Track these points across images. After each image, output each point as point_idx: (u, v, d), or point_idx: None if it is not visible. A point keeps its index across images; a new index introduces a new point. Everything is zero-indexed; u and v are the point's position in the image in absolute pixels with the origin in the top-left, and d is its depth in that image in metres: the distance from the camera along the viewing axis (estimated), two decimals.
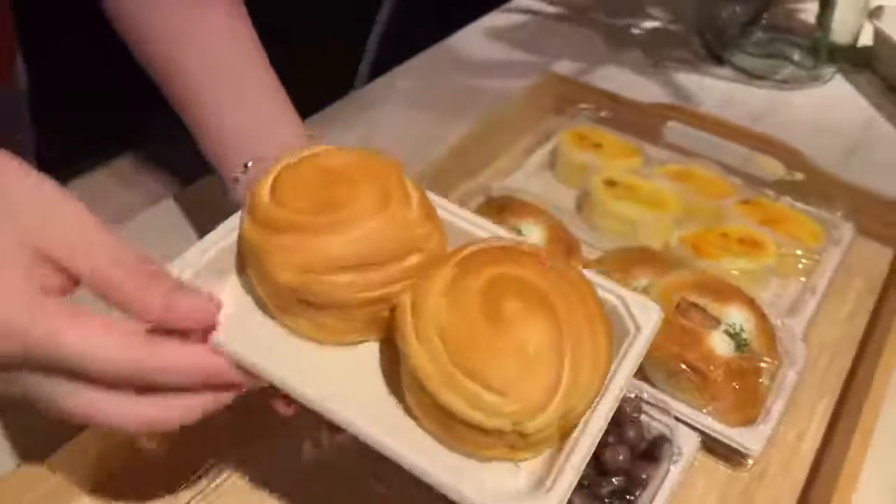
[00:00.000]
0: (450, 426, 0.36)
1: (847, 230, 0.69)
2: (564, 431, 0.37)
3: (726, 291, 0.57)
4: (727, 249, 0.64)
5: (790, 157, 0.74)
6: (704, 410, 0.53)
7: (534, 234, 0.63)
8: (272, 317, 0.41)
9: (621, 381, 0.38)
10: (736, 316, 0.56)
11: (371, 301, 0.39)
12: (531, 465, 0.37)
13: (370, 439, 0.36)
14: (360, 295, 0.38)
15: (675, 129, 0.78)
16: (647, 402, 0.52)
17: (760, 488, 0.52)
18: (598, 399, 0.37)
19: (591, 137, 0.76)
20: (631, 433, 0.50)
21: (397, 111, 0.85)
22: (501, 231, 0.44)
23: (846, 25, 0.95)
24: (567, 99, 0.82)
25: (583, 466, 0.36)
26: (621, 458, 0.48)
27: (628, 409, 0.51)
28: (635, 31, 1.04)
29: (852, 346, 0.62)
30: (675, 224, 0.68)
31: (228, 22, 0.61)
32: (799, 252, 0.65)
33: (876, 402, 0.53)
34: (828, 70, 0.96)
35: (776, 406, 0.54)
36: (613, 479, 0.48)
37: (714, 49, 0.99)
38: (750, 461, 0.53)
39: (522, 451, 0.37)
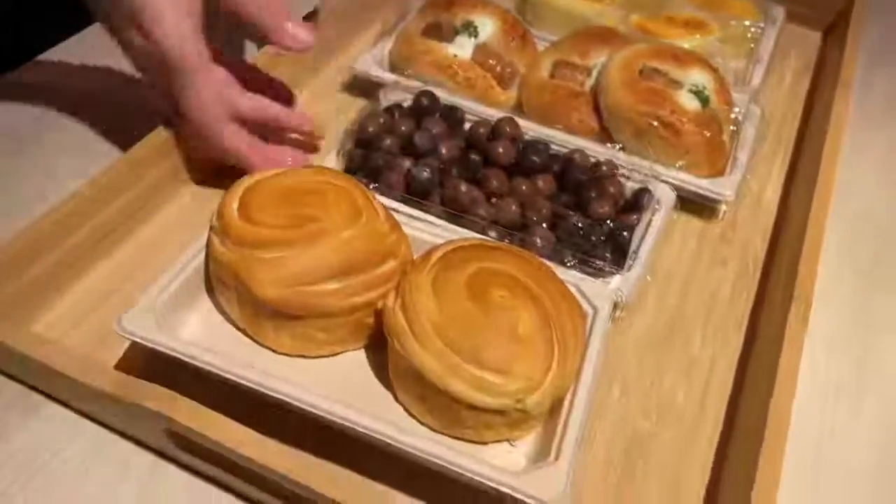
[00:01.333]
0: (452, 414, 0.37)
1: (779, 13, 0.72)
2: (554, 407, 0.38)
3: (685, 57, 0.58)
4: (674, 32, 0.65)
5: None
6: (677, 165, 0.54)
7: (487, 25, 0.61)
8: (248, 335, 0.41)
9: (594, 355, 0.41)
10: (697, 77, 0.57)
11: (357, 307, 0.40)
12: (524, 444, 0.39)
13: (379, 435, 0.35)
14: (347, 301, 0.39)
15: None
16: (622, 166, 0.53)
17: (735, 234, 0.55)
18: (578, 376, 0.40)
19: None
20: (611, 188, 0.51)
21: None
22: (464, 231, 0.47)
23: None
24: None
25: (580, 436, 0.37)
26: (606, 208, 0.49)
27: (605, 168, 0.52)
28: None
29: (797, 109, 0.65)
30: (622, 15, 0.68)
31: None
32: (746, 23, 0.66)
33: (832, 154, 0.56)
34: None
35: (741, 156, 0.56)
36: (600, 226, 0.49)
37: None
38: (722, 209, 0.55)
39: (519, 428, 0.38)
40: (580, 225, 0.48)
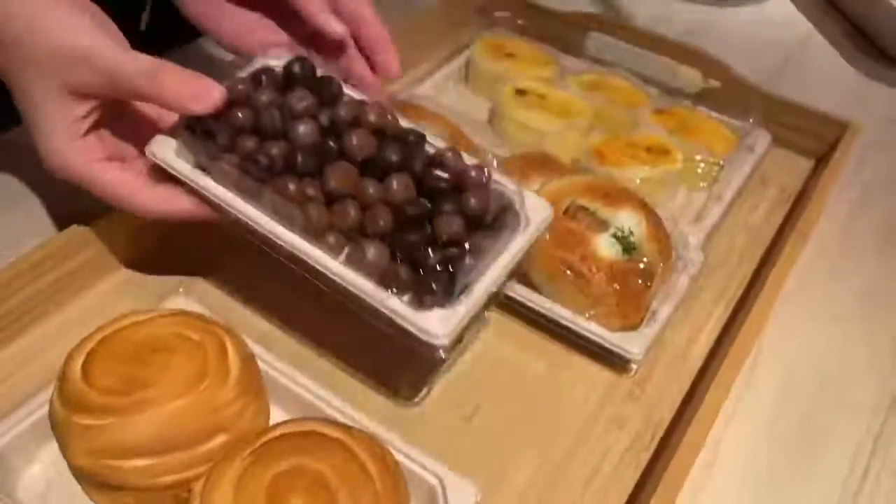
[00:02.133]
0: None
1: (762, 138, 0.67)
2: None
3: (618, 195, 0.55)
4: (633, 157, 0.62)
5: (711, 67, 0.71)
6: (587, 315, 0.51)
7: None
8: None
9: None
10: (626, 219, 0.53)
11: (168, 486, 0.38)
12: None
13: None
14: (155, 480, 0.38)
15: (596, 41, 0.75)
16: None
17: (644, 392, 0.51)
18: None
19: (506, 47, 0.73)
20: (472, 201, 0.44)
21: None
22: (336, 401, 0.44)
23: None
24: (487, 8, 0.78)
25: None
26: (454, 227, 0.43)
27: (474, 175, 0.45)
28: None
29: (757, 254, 0.61)
30: (585, 134, 0.65)
31: None
32: (702, 158, 0.63)
33: (764, 306, 0.52)
34: None
35: (663, 311, 0.52)
36: (447, 250, 0.42)
37: None
38: (633, 366, 0.51)
39: None
40: (417, 244, 0.42)
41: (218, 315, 0.46)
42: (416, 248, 0.42)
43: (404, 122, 0.48)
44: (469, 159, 0.47)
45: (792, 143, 0.69)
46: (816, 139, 0.69)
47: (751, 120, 0.67)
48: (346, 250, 0.42)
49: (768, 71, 0.80)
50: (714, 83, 0.69)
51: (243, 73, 0.49)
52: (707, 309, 0.56)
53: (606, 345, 0.50)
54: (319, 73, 0.49)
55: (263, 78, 0.48)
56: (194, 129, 0.45)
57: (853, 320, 0.57)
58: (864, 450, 0.49)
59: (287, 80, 0.48)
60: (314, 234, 0.42)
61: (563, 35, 0.75)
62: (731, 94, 0.69)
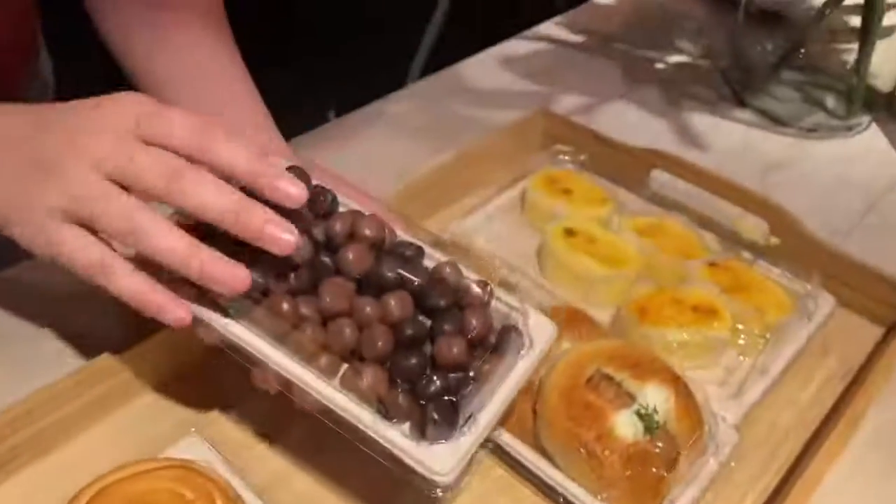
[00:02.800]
0: None
1: (824, 303, 0.63)
2: None
3: (648, 365, 0.52)
4: (677, 316, 0.59)
5: (777, 218, 0.68)
6: (599, 498, 0.49)
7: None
8: None
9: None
10: (653, 394, 0.51)
11: None
12: None
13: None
14: None
15: (658, 180, 0.73)
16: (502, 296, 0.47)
17: None
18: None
19: (563, 181, 0.72)
20: (473, 321, 0.44)
21: (380, 138, 0.83)
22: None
23: (887, 70, 0.87)
24: (552, 137, 0.78)
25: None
26: (455, 350, 0.42)
27: (475, 292, 0.45)
28: (659, 65, 0.99)
29: (802, 438, 0.56)
30: (632, 283, 0.63)
31: (201, 33, 0.65)
32: (745, 329, 0.59)
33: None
34: (862, 119, 0.89)
35: (683, 499, 0.49)
36: (449, 376, 0.42)
37: (738, 89, 0.93)
38: None
39: None
40: (417, 369, 0.41)
41: (230, 455, 0.48)
42: (417, 373, 0.41)
43: (402, 235, 0.48)
44: (470, 274, 0.46)
45: (860, 307, 0.65)
46: (889, 306, 0.64)
47: (812, 283, 0.62)
48: (341, 373, 0.41)
49: (851, 217, 0.76)
50: (773, 239, 0.65)
51: None
52: (735, 498, 0.52)
53: None
54: (314, 183, 0.48)
55: None
56: None
57: None
58: None
59: None
60: (307, 355, 0.42)
61: (625, 171, 0.74)
62: (795, 249, 0.65)
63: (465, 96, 0.91)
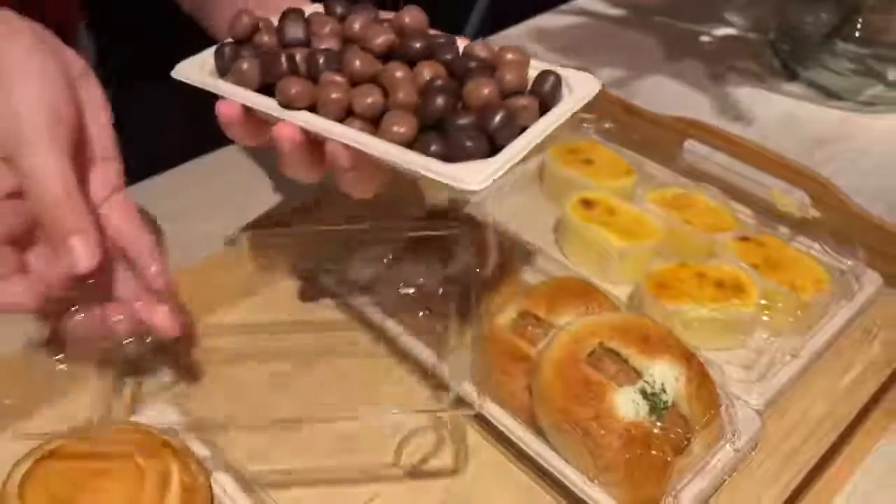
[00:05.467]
0: None
1: (869, 282, 0.56)
2: None
3: (658, 341, 0.47)
4: (698, 292, 0.54)
5: (820, 190, 0.61)
6: (595, 481, 0.44)
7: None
8: None
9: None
10: (662, 372, 0.46)
11: None
12: None
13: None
14: None
15: (692, 151, 0.68)
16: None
17: None
18: None
19: (584, 152, 0.67)
20: (508, 76, 0.42)
21: None
22: None
23: None
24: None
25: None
26: (486, 91, 0.41)
27: (510, 56, 0.44)
28: (704, 38, 0.93)
29: (839, 426, 0.50)
30: (652, 258, 0.58)
31: None
32: (783, 301, 0.53)
33: (820, 497, 0.42)
34: None
35: (693, 488, 0.44)
36: (476, 114, 0.40)
37: (788, 62, 0.86)
38: None
39: None
40: (446, 108, 0.40)
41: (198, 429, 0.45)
42: (446, 112, 0.40)
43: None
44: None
45: None
46: None
47: (857, 258, 0.56)
48: (369, 131, 0.41)
49: None
50: (813, 212, 0.59)
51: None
52: (753, 494, 0.47)
53: None
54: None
55: (290, 14, 0.47)
56: (221, 51, 0.45)
57: None
58: None
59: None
60: (336, 115, 0.41)
61: (656, 142, 0.69)
62: (838, 223, 0.59)
63: None
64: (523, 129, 0.41)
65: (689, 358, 0.47)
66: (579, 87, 0.44)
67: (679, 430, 0.45)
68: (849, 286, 0.56)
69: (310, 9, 0.49)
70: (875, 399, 0.51)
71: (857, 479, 0.45)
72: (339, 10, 0.48)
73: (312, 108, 0.42)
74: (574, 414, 0.44)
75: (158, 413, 0.45)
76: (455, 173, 0.38)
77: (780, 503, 0.46)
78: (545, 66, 0.44)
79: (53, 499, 0.38)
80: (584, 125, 0.70)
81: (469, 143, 0.39)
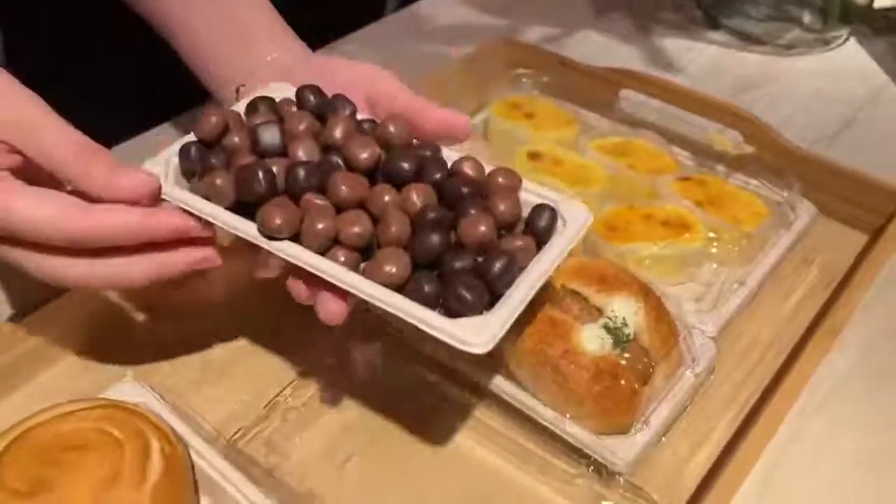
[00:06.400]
0: None
1: (805, 211, 0.59)
2: None
3: (614, 278, 0.49)
4: (647, 232, 0.56)
5: (752, 128, 0.64)
6: (568, 415, 0.46)
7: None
8: None
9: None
10: (621, 307, 0.48)
11: None
12: None
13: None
14: None
15: (628, 99, 0.70)
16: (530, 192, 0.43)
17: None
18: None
19: (525, 106, 0.68)
20: (501, 206, 0.40)
21: None
22: None
23: None
24: (514, 65, 0.74)
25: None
26: (482, 228, 0.38)
27: (501, 180, 0.42)
28: None
29: (787, 347, 0.53)
30: (599, 204, 0.60)
31: None
32: (728, 234, 0.56)
33: (776, 413, 0.45)
34: (840, 32, 0.85)
35: (659, 414, 0.46)
36: (473, 256, 0.39)
37: (710, 11, 0.89)
38: (619, 478, 0.45)
39: None
40: (440, 247, 0.38)
41: (175, 405, 0.44)
42: (439, 252, 0.38)
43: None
44: (489, 168, 0.43)
45: (842, 215, 0.61)
46: (870, 212, 0.60)
47: (792, 190, 0.59)
48: (357, 262, 0.39)
49: (830, 131, 0.72)
50: (747, 148, 0.62)
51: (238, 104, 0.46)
52: (714, 415, 0.49)
53: (587, 451, 0.45)
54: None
55: (260, 106, 0.45)
56: (186, 152, 0.42)
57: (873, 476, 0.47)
58: None
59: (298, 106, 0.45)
60: (321, 246, 0.38)
61: (592, 93, 0.70)
62: (772, 160, 0.62)
63: (423, 34, 0.87)
64: (520, 268, 0.39)
65: (645, 292, 0.49)
66: (570, 218, 0.41)
67: (642, 360, 0.47)
68: (786, 216, 0.59)
69: (278, 91, 0.47)
70: (817, 319, 0.54)
71: (805, 397, 0.47)
72: (311, 99, 0.45)
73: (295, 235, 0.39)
74: (543, 354, 0.46)
75: (130, 388, 0.45)
76: (458, 333, 0.36)
77: (738, 423, 0.49)
78: (536, 189, 0.43)
79: (32, 479, 0.37)
80: (524, 80, 0.71)
81: (469, 297, 0.36)
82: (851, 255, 0.59)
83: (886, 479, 0.46)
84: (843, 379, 0.50)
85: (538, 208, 0.41)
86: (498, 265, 0.37)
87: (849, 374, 0.50)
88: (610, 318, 0.47)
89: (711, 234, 0.56)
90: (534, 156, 0.63)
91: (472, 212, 0.39)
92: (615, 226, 0.57)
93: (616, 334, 0.47)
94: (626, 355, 0.46)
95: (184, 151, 0.43)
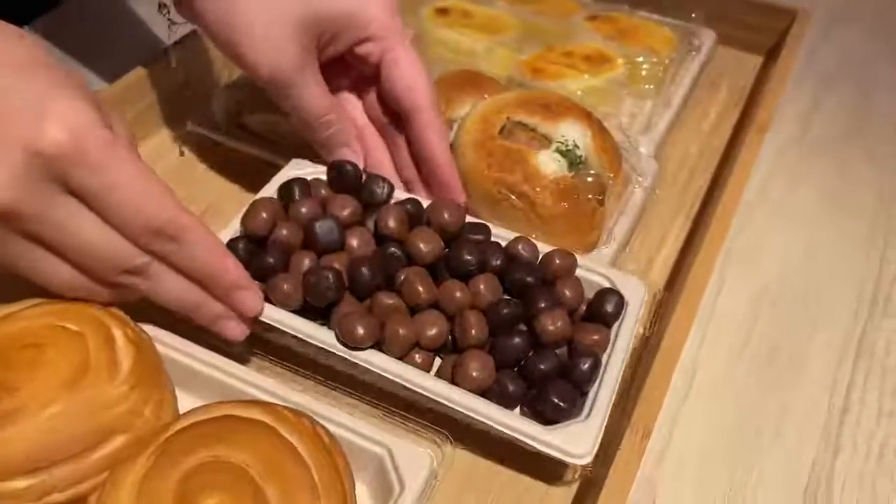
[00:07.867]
0: None
1: (707, 38, 0.62)
2: None
3: (558, 106, 0.49)
4: (571, 68, 0.56)
5: None
6: (533, 236, 0.46)
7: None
8: None
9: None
10: (570, 131, 0.48)
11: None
12: None
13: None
14: (44, 501, 0.31)
15: None
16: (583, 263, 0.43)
17: None
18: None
19: None
20: (567, 293, 0.41)
21: None
22: (267, 383, 0.37)
23: None
24: None
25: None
26: (560, 324, 0.38)
27: (558, 262, 0.42)
28: None
29: (714, 161, 0.56)
30: (517, 50, 0.59)
31: None
32: (645, 60, 0.57)
33: (725, 216, 0.47)
34: None
35: (620, 227, 0.47)
36: (555, 353, 0.39)
37: None
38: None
39: None
40: (523, 349, 0.38)
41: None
42: (523, 353, 0.38)
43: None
44: (544, 247, 0.43)
45: (739, 39, 0.65)
46: (764, 33, 0.64)
47: (692, 16, 0.61)
48: (438, 366, 0.39)
49: None
50: None
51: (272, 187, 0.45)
52: (665, 223, 0.51)
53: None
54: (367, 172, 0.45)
55: (296, 189, 0.44)
56: (234, 249, 0.40)
57: (821, 223, 0.53)
58: (849, 353, 0.45)
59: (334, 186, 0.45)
60: (403, 351, 0.38)
61: None
62: None
63: None
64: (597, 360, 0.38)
65: (588, 116, 0.49)
66: (629, 296, 0.41)
67: (597, 179, 0.48)
68: (692, 43, 0.61)
69: (305, 170, 0.46)
70: (736, 131, 0.57)
71: (745, 192, 0.50)
72: (346, 177, 0.44)
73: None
74: (505, 181, 0.45)
75: None
76: (561, 445, 0.35)
77: (687, 227, 0.51)
78: (590, 265, 0.43)
79: None
80: None
81: (564, 406, 0.36)
82: (751, 74, 0.63)
83: (844, 215, 0.51)
84: (769, 177, 0.54)
85: (604, 294, 0.41)
86: (585, 367, 0.37)
87: (772, 173, 0.54)
88: (561, 143, 0.47)
89: (638, 59, 0.57)
90: (442, 11, 0.61)
91: (543, 304, 0.39)
92: (539, 68, 0.57)
93: (569, 157, 0.47)
94: (583, 175, 0.47)
95: (231, 248, 0.41)
